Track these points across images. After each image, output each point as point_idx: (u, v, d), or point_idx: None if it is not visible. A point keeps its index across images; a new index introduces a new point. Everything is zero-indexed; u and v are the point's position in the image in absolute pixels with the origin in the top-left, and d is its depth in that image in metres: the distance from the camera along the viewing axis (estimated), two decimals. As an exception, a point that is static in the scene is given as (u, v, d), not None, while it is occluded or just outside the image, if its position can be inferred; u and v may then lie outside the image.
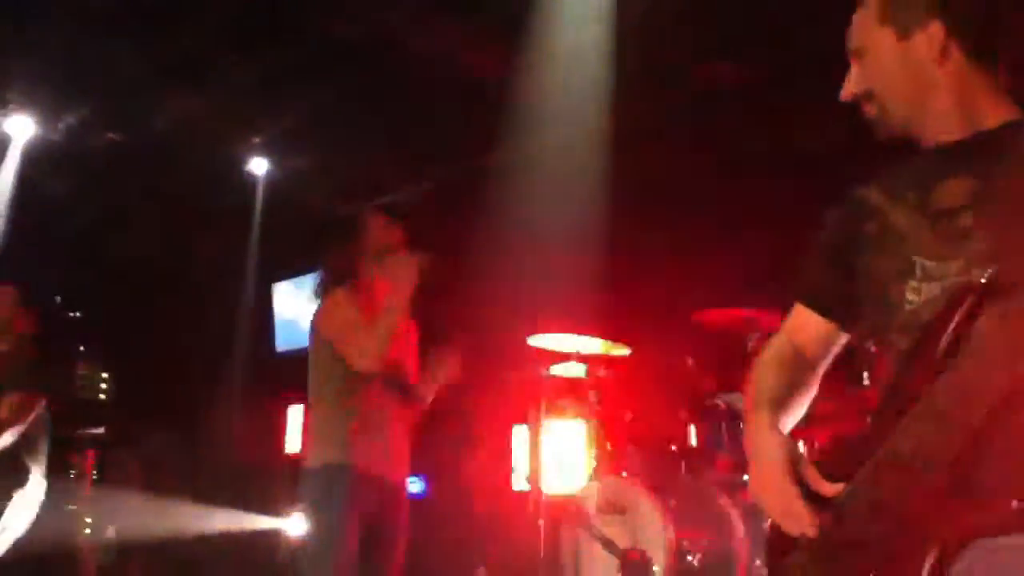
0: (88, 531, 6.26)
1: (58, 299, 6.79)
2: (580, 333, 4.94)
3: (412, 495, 5.70)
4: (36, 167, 6.18)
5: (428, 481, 5.93)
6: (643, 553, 4.41)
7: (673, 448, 4.85)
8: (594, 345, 4.96)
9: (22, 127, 6.03)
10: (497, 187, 5.85)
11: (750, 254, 5.23)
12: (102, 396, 6.80)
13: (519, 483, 5.18)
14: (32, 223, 6.28)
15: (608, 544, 4.52)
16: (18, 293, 4.79)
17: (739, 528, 4.51)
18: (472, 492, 5.53)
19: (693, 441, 4.82)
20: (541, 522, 4.84)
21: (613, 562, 4.51)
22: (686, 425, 4.83)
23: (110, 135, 6.15)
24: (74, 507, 6.26)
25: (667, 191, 5.58)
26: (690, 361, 4.93)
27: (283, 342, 7.18)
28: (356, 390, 3.46)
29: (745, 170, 5.43)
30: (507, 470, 5.26)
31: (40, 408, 4.53)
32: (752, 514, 4.49)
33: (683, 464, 4.77)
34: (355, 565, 3.33)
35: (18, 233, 6.25)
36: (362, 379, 3.43)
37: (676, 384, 4.97)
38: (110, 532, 6.36)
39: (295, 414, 6.99)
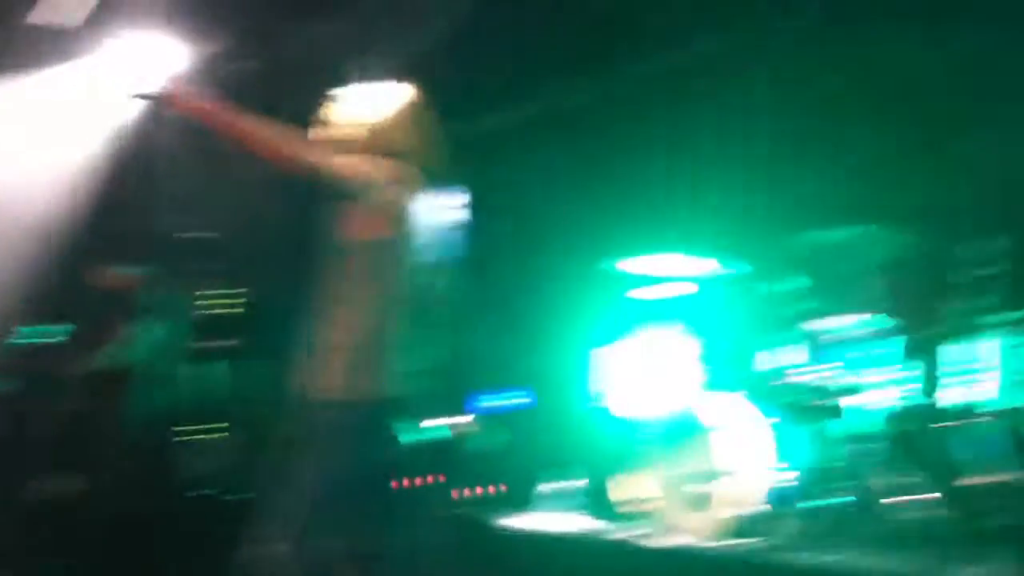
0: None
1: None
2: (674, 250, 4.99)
3: (502, 408, 6.01)
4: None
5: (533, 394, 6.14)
6: (706, 475, 4.50)
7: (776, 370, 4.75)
8: (692, 265, 5.03)
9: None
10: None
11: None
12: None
13: (599, 403, 5.34)
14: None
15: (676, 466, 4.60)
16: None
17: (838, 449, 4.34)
18: (553, 410, 5.74)
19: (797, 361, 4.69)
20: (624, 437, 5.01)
21: (678, 482, 4.60)
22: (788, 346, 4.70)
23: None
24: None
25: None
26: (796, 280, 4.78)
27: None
28: None
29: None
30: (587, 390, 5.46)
31: None
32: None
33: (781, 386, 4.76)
34: None
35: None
36: None
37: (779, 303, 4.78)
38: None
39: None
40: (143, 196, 6.31)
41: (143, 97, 3.33)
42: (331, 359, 2.99)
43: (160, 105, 3.31)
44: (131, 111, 5.55)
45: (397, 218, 3.11)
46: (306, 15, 5.61)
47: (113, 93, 5.79)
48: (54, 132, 5.74)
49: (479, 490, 5.59)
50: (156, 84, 3.27)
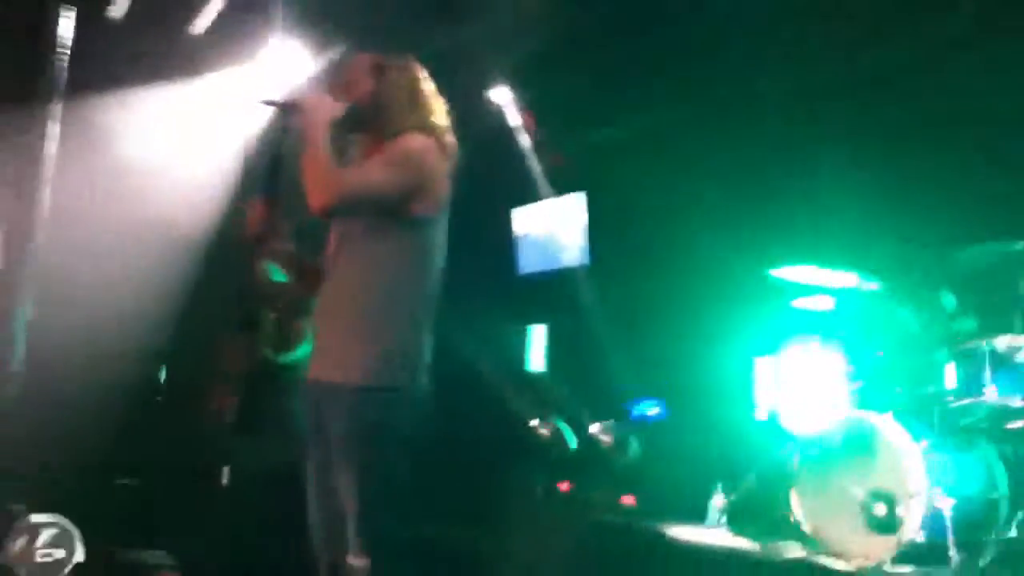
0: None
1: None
2: (827, 265, 4.77)
3: (650, 417, 5.86)
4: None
5: (666, 405, 6.06)
6: (888, 496, 4.24)
7: (930, 390, 4.55)
8: (842, 278, 4.77)
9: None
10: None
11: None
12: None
13: (761, 414, 5.12)
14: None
15: (849, 485, 4.37)
16: None
17: (1000, 478, 4.26)
18: (713, 419, 5.52)
19: (949, 383, 4.52)
20: (783, 452, 4.76)
21: (853, 501, 4.35)
22: (941, 366, 4.54)
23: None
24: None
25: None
26: (949, 298, 4.64)
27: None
28: None
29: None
30: (748, 400, 5.22)
31: None
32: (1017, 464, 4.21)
33: (937, 407, 4.49)
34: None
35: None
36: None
37: (931, 323, 4.68)
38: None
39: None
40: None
41: (271, 104, 3.09)
42: None
43: (287, 113, 3.02)
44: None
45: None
46: (428, 20, 5.60)
47: (243, 101, 5.92)
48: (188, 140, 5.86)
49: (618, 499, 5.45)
50: (284, 91, 3.05)
